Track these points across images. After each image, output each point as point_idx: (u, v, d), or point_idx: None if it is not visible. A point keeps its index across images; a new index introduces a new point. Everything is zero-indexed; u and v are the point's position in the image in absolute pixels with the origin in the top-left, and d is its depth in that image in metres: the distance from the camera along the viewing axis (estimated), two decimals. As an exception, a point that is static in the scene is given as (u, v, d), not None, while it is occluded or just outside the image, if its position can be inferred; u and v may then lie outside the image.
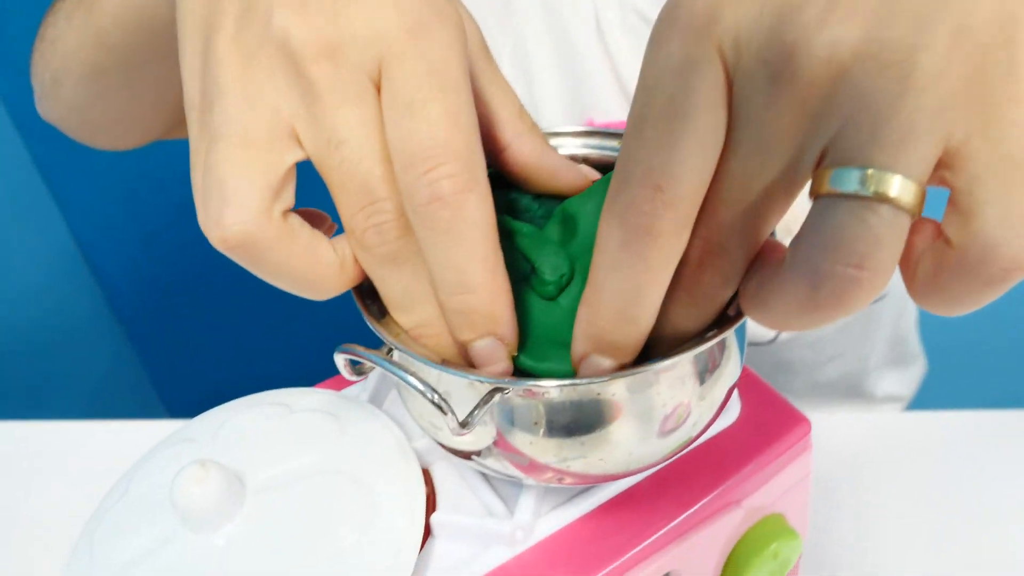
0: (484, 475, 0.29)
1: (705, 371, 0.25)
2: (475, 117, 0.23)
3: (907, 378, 0.76)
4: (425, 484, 0.30)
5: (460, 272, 0.22)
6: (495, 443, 0.26)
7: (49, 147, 1.18)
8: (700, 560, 0.29)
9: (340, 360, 0.24)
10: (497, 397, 0.23)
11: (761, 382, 0.32)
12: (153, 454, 0.30)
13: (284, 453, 0.28)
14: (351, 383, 0.35)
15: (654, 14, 0.57)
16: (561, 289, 0.27)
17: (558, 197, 0.31)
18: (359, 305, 0.26)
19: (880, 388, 0.74)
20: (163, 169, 1.18)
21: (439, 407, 0.23)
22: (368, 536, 0.26)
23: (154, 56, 0.42)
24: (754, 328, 0.63)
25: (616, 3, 0.57)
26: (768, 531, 0.30)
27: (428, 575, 0.27)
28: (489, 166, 0.30)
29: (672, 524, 0.28)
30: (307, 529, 0.26)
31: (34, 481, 0.51)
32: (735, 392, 0.31)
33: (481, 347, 0.23)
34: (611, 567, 0.27)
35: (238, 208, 0.22)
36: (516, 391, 0.23)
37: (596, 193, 0.30)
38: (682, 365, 0.25)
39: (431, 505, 0.29)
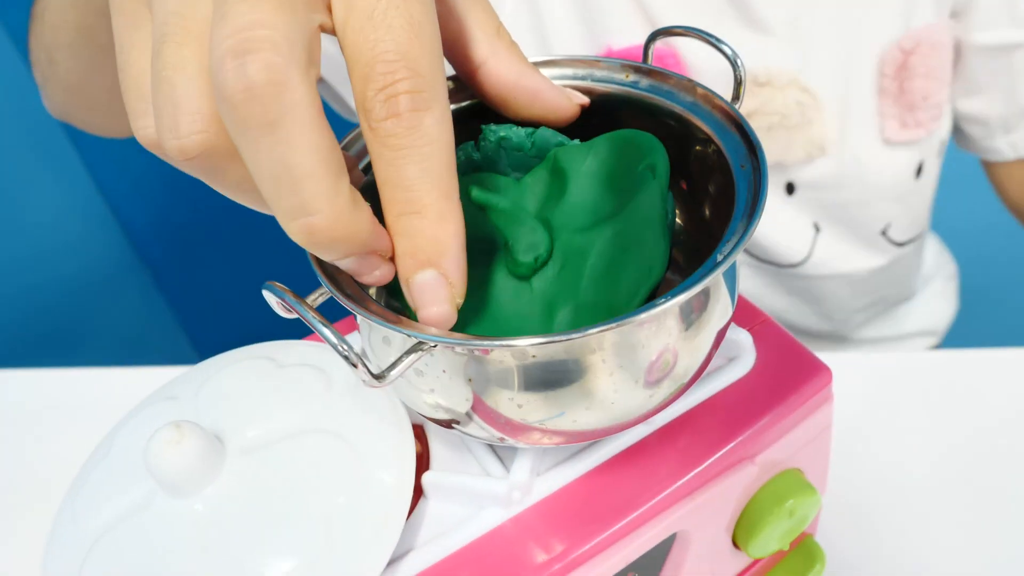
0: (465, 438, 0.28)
1: (691, 313, 0.23)
2: (438, 30, 0.20)
3: (940, 311, 0.74)
4: (418, 441, 0.29)
5: (408, 190, 0.20)
6: (472, 408, 0.24)
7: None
8: (710, 519, 0.27)
9: (270, 297, 0.22)
10: (420, 353, 0.21)
11: (778, 327, 0.30)
12: (135, 413, 0.29)
13: (268, 412, 0.27)
14: (346, 334, 0.33)
15: None
16: (535, 271, 0.25)
17: (553, 133, 0.28)
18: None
19: (915, 320, 0.72)
20: None
21: (347, 359, 0.21)
22: (354, 498, 0.25)
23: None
24: (780, 250, 0.61)
25: None
26: (784, 487, 0.28)
27: (419, 538, 0.26)
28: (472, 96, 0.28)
29: (680, 482, 0.26)
30: (290, 492, 0.25)
31: (69, 429, 0.50)
32: (750, 340, 0.29)
33: (421, 281, 0.21)
34: (613, 529, 0.25)
35: (194, 115, 0.20)
36: (442, 347, 0.22)
37: (595, 149, 0.27)
38: (665, 320, 0.22)
39: (424, 463, 0.28)
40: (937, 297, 0.74)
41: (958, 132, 0.64)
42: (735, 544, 0.30)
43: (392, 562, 0.25)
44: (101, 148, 1.21)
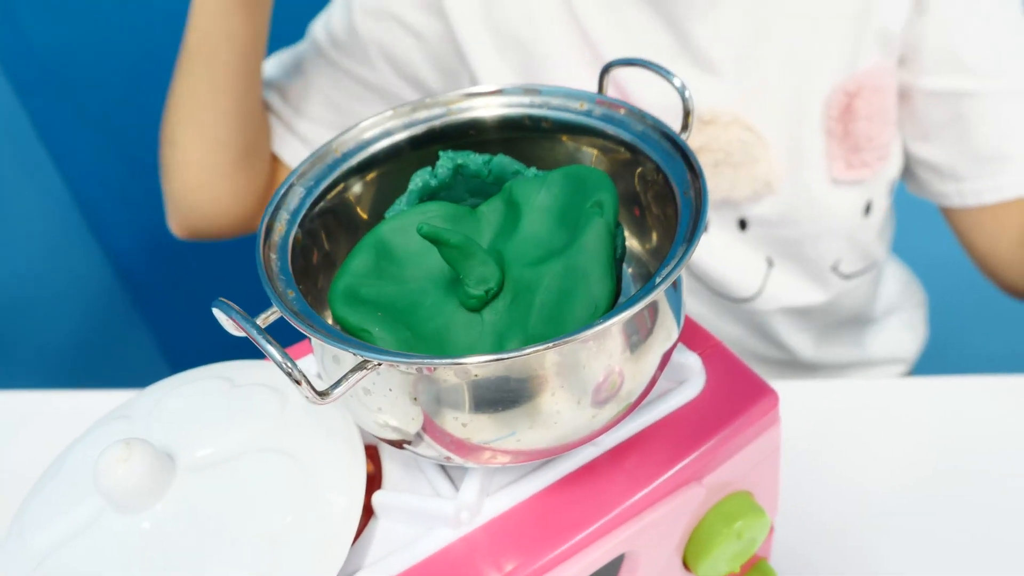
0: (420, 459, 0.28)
1: (632, 347, 0.24)
2: None
3: (907, 339, 0.74)
4: (371, 462, 0.29)
5: None
6: (420, 427, 0.24)
7: (52, 118, 1.17)
8: (659, 540, 0.28)
9: (219, 314, 0.23)
10: (365, 372, 0.22)
11: (727, 351, 0.30)
12: (88, 432, 0.29)
13: (220, 430, 0.27)
14: (306, 355, 0.33)
15: None
16: (486, 303, 0.26)
17: (510, 161, 0.29)
18: (263, 267, 0.24)
19: (880, 348, 0.72)
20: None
21: (290, 375, 0.21)
22: (302, 517, 0.25)
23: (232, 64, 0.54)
24: (733, 284, 0.62)
25: None
26: (733, 509, 0.29)
27: (367, 559, 0.26)
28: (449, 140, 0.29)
29: (627, 503, 0.27)
30: (239, 510, 0.25)
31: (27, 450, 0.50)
32: (699, 363, 0.29)
33: None
34: (561, 548, 0.26)
35: None
36: (387, 365, 0.22)
37: (548, 183, 0.28)
38: (606, 340, 0.23)
39: (376, 483, 0.28)
40: (904, 326, 0.75)
41: (911, 174, 0.65)
42: (686, 566, 0.30)
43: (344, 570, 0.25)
44: (83, 167, 1.21)
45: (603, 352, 0.23)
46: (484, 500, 0.27)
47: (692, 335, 0.31)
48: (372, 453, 0.29)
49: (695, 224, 0.24)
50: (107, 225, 1.27)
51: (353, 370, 0.22)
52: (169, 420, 0.27)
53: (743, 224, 0.61)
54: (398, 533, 0.27)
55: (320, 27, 0.62)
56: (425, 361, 0.22)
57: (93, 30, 1.10)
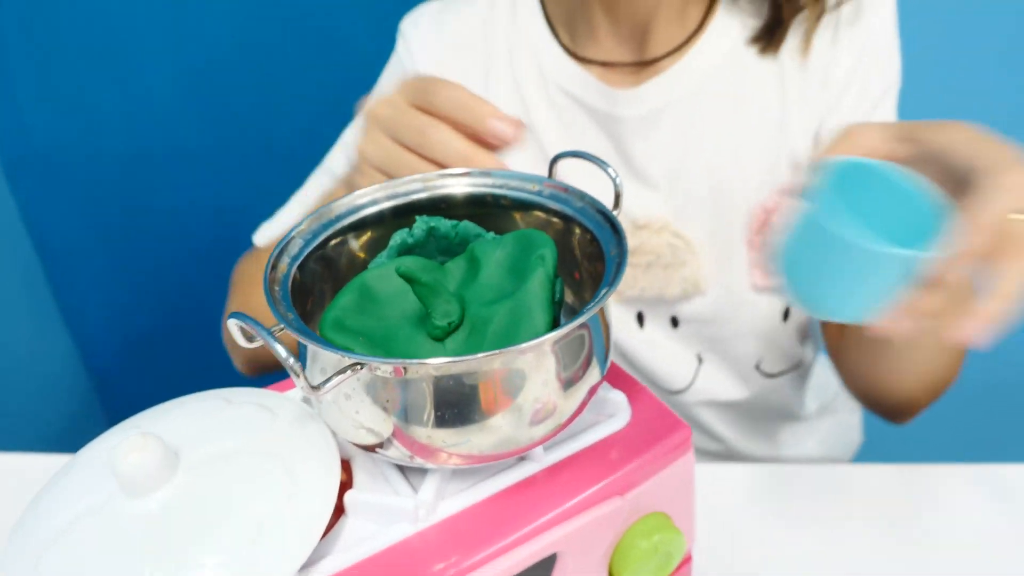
0: (398, 465, 0.33)
1: (564, 370, 0.29)
2: None
3: (843, 441, 0.80)
4: (344, 472, 0.34)
5: None
6: (392, 434, 0.30)
7: (32, 194, 1.23)
8: (585, 544, 0.32)
9: (233, 326, 0.28)
10: (349, 373, 0.27)
11: (650, 394, 0.36)
12: (101, 438, 0.33)
13: (219, 435, 0.32)
14: (293, 386, 0.38)
15: (577, 91, 0.64)
16: (448, 333, 0.32)
17: (474, 226, 0.36)
18: (269, 294, 0.30)
19: (815, 447, 0.78)
20: (146, 226, 1.23)
21: (293, 370, 0.26)
22: (283, 508, 0.30)
23: None
24: (666, 377, 0.68)
25: (538, 78, 0.64)
26: (652, 525, 0.34)
27: (336, 547, 0.31)
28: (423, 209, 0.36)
29: (559, 510, 0.32)
30: (230, 500, 0.30)
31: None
32: (626, 400, 0.35)
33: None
34: (501, 544, 0.30)
35: None
36: (370, 368, 0.27)
37: (503, 243, 0.35)
38: (541, 358, 0.29)
39: (348, 489, 0.33)
40: (839, 428, 0.81)
41: None
42: (612, 579, 0.35)
43: (309, 565, 0.30)
44: (62, 249, 1.26)
45: (540, 370, 0.29)
46: (439, 502, 0.32)
47: (622, 380, 0.37)
48: (345, 467, 0.34)
49: (616, 273, 0.30)
50: (81, 313, 1.31)
51: (339, 372, 0.27)
52: (175, 426, 0.32)
53: (675, 322, 0.68)
54: (364, 528, 0.31)
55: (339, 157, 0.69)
56: (396, 362, 0.27)
57: (88, 120, 1.17)
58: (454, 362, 0.27)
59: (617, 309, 0.67)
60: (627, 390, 0.36)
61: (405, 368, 0.27)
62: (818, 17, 0.61)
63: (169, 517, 0.29)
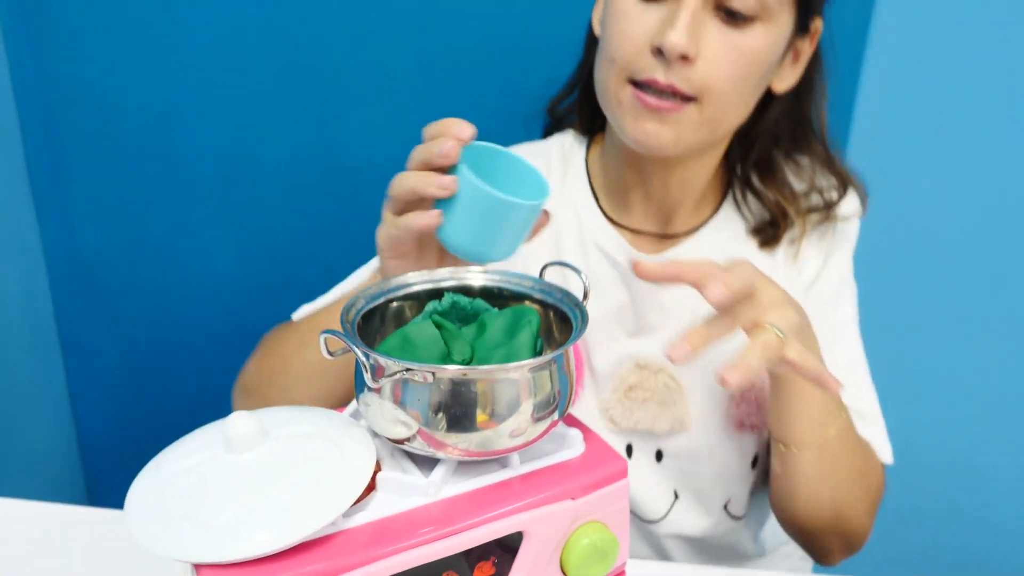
0: (412, 459, 0.46)
1: (539, 401, 0.44)
2: None
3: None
4: (375, 465, 0.46)
5: None
6: (418, 433, 0.43)
7: (71, 297, 1.36)
8: (545, 530, 0.45)
9: (322, 339, 0.42)
10: (403, 375, 0.41)
11: (599, 439, 0.50)
12: (212, 424, 0.46)
13: (295, 425, 0.45)
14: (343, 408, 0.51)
15: (609, 247, 0.78)
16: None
17: (484, 303, 0.51)
18: (349, 330, 0.44)
19: None
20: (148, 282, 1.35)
21: (363, 363, 0.40)
22: (336, 470, 0.42)
23: None
24: (645, 507, 0.79)
25: (576, 230, 0.79)
26: (593, 528, 0.46)
27: (369, 508, 0.43)
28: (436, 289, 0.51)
29: (526, 501, 0.44)
30: (300, 462, 0.43)
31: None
32: (580, 437, 0.49)
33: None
34: (486, 516, 0.43)
35: None
36: (414, 373, 0.41)
37: (503, 314, 0.50)
38: (521, 380, 0.43)
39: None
40: (794, 567, 0.91)
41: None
42: (563, 572, 0.46)
43: (350, 516, 0.42)
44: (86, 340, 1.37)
45: (519, 388, 0.43)
46: (444, 485, 0.44)
47: (579, 426, 0.50)
48: (377, 465, 0.47)
49: (576, 336, 0.45)
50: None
51: (391, 374, 0.41)
52: (268, 416, 0.45)
53: (660, 456, 0.80)
54: (389, 499, 0.44)
55: None
56: (428, 368, 0.41)
57: (135, 240, 1.33)
58: (466, 370, 0.41)
59: (612, 438, 0.79)
60: (583, 431, 0.50)
61: (434, 373, 0.42)
62: (804, 232, 0.78)
63: (258, 468, 0.42)
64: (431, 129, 0.55)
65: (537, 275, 0.53)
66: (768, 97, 0.75)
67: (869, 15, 1.03)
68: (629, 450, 0.80)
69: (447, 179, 0.52)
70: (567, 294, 0.50)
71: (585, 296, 0.50)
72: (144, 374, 1.39)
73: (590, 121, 0.83)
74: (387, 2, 1.11)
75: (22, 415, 1.27)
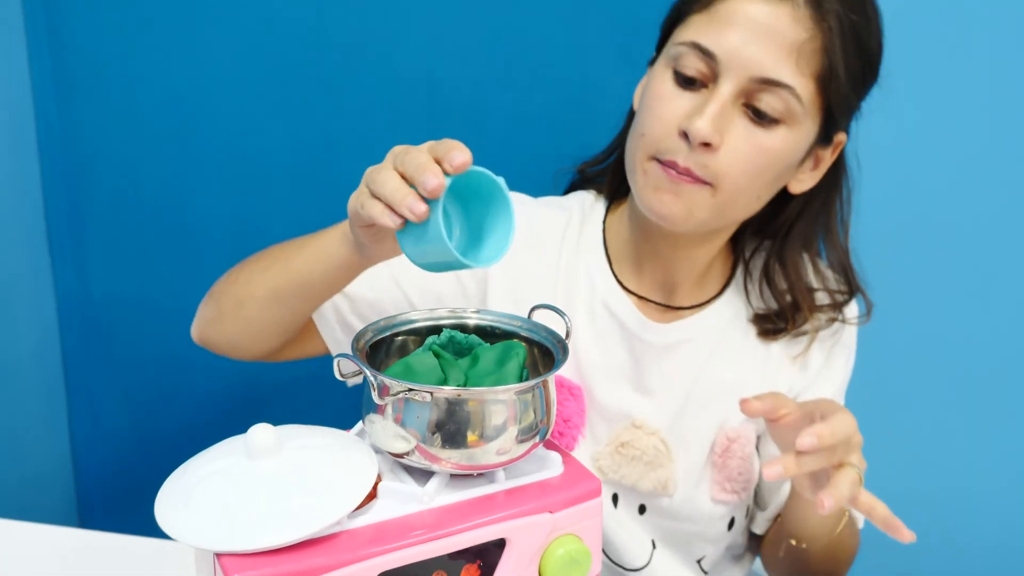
0: (410, 472, 0.52)
1: (524, 423, 0.50)
2: None
3: None
4: (378, 477, 0.52)
5: None
6: (416, 448, 0.49)
7: (79, 347, 1.41)
8: (525, 539, 0.50)
9: (336, 362, 0.49)
10: (406, 394, 0.47)
11: (576, 461, 0.56)
12: (235, 437, 0.52)
13: (308, 438, 0.51)
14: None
15: (617, 310, 0.83)
16: None
17: (478, 339, 0.57)
18: (359, 356, 0.51)
19: None
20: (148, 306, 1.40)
21: (371, 383, 0.47)
22: (343, 477, 0.48)
23: (325, 280, 0.68)
24: (627, 556, 0.83)
25: (587, 290, 0.84)
26: (568, 540, 0.52)
27: (371, 513, 0.49)
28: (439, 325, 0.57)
29: (510, 511, 0.50)
30: (312, 469, 0.48)
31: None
32: (560, 459, 0.55)
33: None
34: (471, 523, 0.49)
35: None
36: (415, 393, 0.48)
37: (495, 348, 0.56)
38: (509, 406, 0.49)
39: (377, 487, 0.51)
40: None
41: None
42: (540, 578, 0.52)
43: (355, 515, 0.48)
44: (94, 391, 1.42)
45: (505, 409, 0.49)
46: (437, 495, 0.50)
47: (558, 450, 0.56)
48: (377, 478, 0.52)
49: (557, 367, 0.51)
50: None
51: (395, 393, 0.48)
52: (284, 430, 0.51)
53: (642, 509, 0.85)
54: (388, 506, 0.49)
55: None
56: (427, 388, 0.47)
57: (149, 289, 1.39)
58: (460, 391, 0.48)
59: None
60: (563, 455, 0.56)
61: (432, 393, 0.48)
62: (816, 329, 0.83)
63: (275, 474, 0.48)
64: (434, 151, 0.53)
65: (527, 315, 0.59)
66: (788, 196, 0.80)
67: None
68: (615, 499, 0.84)
69: (421, 209, 0.50)
70: (552, 332, 0.57)
71: (567, 335, 0.57)
72: (145, 419, 1.44)
73: (616, 187, 0.87)
74: (442, 59, 1.17)
75: (21, 442, 1.31)
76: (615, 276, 0.84)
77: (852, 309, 0.86)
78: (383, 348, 0.56)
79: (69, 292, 1.39)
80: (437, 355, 0.54)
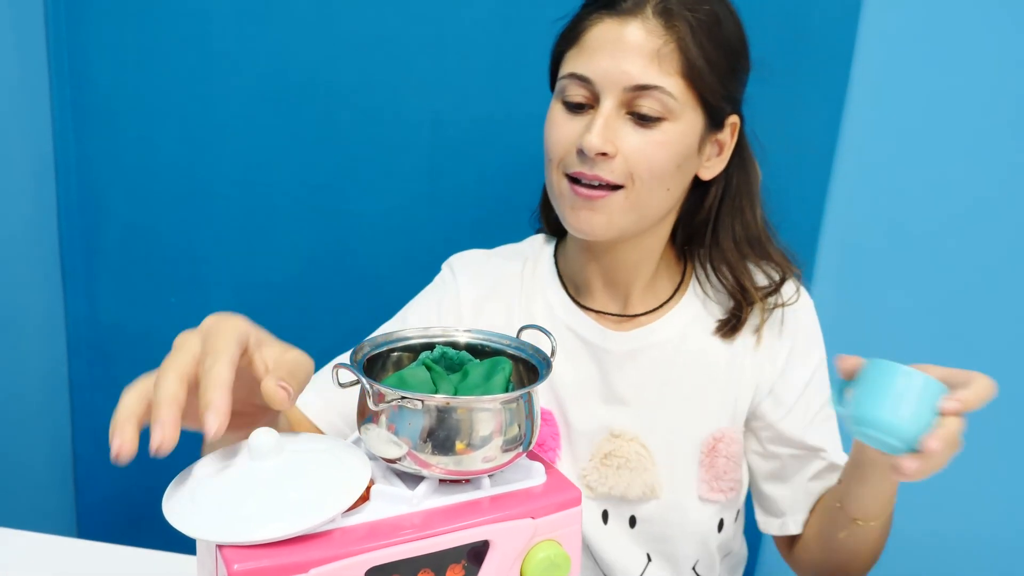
0: (401, 477, 0.55)
1: (509, 434, 0.53)
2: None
3: None
4: (371, 481, 0.56)
5: None
6: (407, 454, 0.53)
7: (86, 368, 1.45)
8: (508, 542, 0.54)
9: (335, 371, 0.52)
10: (399, 402, 0.51)
11: (558, 471, 0.59)
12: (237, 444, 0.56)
13: (307, 443, 0.55)
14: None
15: (578, 328, 0.88)
16: None
17: (468, 355, 0.61)
18: (355, 365, 0.54)
19: None
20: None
21: (367, 391, 0.50)
22: (338, 477, 0.52)
23: None
24: (620, 570, 0.86)
25: (548, 317, 0.90)
26: (548, 545, 0.55)
27: (363, 513, 0.52)
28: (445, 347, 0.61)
29: (494, 515, 0.53)
30: (310, 470, 0.52)
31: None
32: (543, 469, 0.58)
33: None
34: (457, 525, 0.52)
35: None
36: (407, 401, 0.51)
37: (483, 363, 0.60)
38: (495, 415, 0.53)
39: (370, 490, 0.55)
40: None
41: (760, 510, 0.94)
42: (521, 581, 0.55)
43: (349, 515, 0.51)
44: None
45: (492, 418, 0.53)
46: (425, 499, 0.53)
47: (541, 461, 0.60)
48: (370, 482, 0.56)
49: (541, 379, 0.55)
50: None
51: (389, 400, 0.51)
52: (287, 437, 0.55)
53: (633, 521, 0.88)
54: (380, 506, 0.53)
55: None
56: (419, 396, 0.51)
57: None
58: (449, 399, 0.51)
59: (588, 504, 0.87)
60: (545, 465, 0.59)
61: (423, 401, 0.52)
62: (764, 318, 0.88)
63: (275, 473, 0.51)
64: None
65: (514, 335, 0.63)
66: (704, 186, 0.87)
67: (855, 29, 1.09)
68: (605, 516, 0.88)
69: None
70: (537, 349, 0.60)
71: (552, 353, 0.61)
72: (144, 442, 1.47)
73: (554, 222, 0.94)
74: (436, 100, 1.23)
75: (25, 457, 1.34)
76: (572, 299, 0.90)
77: (789, 289, 0.90)
78: (379, 362, 0.60)
79: (79, 318, 1.43)
80: (429, 368, 0.58)
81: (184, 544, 0.84)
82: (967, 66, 1.10)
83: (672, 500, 0.87)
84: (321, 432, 0.86)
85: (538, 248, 0.97)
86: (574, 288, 0.92)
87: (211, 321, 0.53)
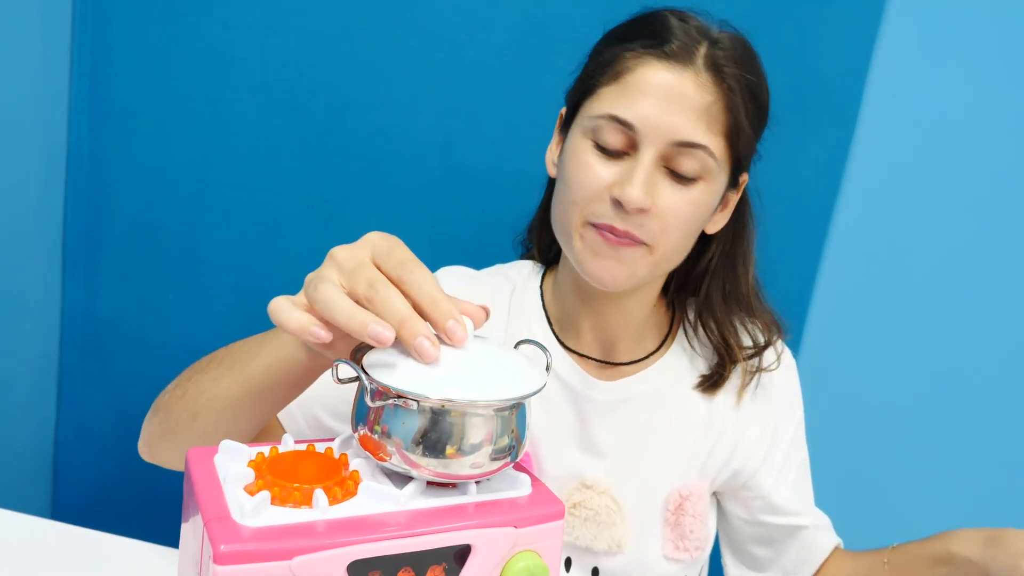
0: (390, 476, 0.56)
1: (499, 443, 0.55)
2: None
3: None
4: (359, 474, 0.57)
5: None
6: (396, 451, 0.54)
7: (80, 368, 1.45)
8: (489, 548, 0.54)
9: (334, 366, 0.54)
10: (395, 401, 0.52)
11: (544, 485, 0.60)
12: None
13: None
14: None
15: (561, 371, 0.87)
16: None
17: None
18: (355, 364, 0.56)
19: None
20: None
21: (368, 385, 0.52)
22: (527, 365, 0.53)
23: (284, 386, 0.65)
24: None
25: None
26: (528, 555, 0.56)
27: (350, 508, 0.53)
28: None
29: (477, 520, 0.54)
30: (502, 354, 0.54)
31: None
32: (529, 481, 0.59)
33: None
34: (439, 527, 0.53)
35: None
36: (404, 399, 0.52)
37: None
38: (487, 422, 0.54)
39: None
40: None
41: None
42: (500, 589, 0.56)
43: (335, 508, 0.52)
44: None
45: (483, 425, 0.54)
46: (412, 499, 0.54)
47: (528, 472, 0.61)
48: (355, 477, 0.57)
49: (535, 394, 0.56)
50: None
51: (387, 397, 0.53)
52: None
53: (595, 572, 0.88)
54: (368, 503, 0.54)
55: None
56: (415, 395, 0.52)
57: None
58: (444, 401, 0.53)
59: None
60: (532, 478, 0.60)
61: (419, 401, 0.53)
62: (745, 380, 0.88)
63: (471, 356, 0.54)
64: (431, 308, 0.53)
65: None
66: (704, 241, 0.86)
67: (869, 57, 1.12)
68: (568, 563, 0.87)
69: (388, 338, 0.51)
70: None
71: (548, 368, 0.62)
72: (130, 437, 1.46)
73: (547, 253, 0.94)
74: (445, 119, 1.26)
75: (4, 435, 1.34)
76: (557, 338, 0.88)
77: (770, 356, 0.90)
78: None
79: (75, 309, 1.44)
80: None
81: (151, 534, 0.84)
82: (972, 131, 1.13)
83: (637, 556, 0.86)
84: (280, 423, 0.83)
85: (525, 276, 0.94)
86: (559, 325, 0.90)
87: (376, 238, 0.56)
